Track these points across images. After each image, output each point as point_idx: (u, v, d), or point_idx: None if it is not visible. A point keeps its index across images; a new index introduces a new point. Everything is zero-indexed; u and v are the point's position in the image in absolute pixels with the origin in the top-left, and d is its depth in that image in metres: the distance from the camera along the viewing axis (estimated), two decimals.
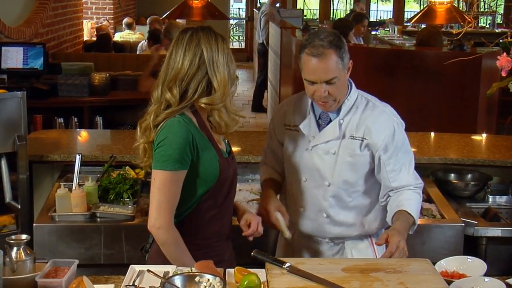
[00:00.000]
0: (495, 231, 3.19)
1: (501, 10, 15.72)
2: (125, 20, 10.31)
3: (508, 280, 2.21)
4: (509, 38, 3.40)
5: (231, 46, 2.46)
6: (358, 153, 2.53)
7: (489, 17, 13.47)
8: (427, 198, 3.40)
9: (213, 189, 2.32)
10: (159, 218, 2.25)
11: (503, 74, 3.19)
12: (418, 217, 2.53)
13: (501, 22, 14.76)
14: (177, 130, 2.24)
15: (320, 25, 12.08)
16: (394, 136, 2.53)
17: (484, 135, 4.69)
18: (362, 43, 7.80)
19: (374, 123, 2.53)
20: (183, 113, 2.28)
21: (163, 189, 2.24)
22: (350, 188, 2.58)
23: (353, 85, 2.59)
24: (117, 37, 10.15)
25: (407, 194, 2.55)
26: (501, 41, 3.44)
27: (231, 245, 2.53)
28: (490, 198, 3.63)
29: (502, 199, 3.66)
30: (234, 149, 3.76)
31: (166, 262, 2.29)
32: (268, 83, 9.78)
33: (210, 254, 2.34)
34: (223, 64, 2.28)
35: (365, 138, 2.52)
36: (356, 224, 2.62)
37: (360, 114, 2.55)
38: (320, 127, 2.58)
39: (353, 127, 2.54)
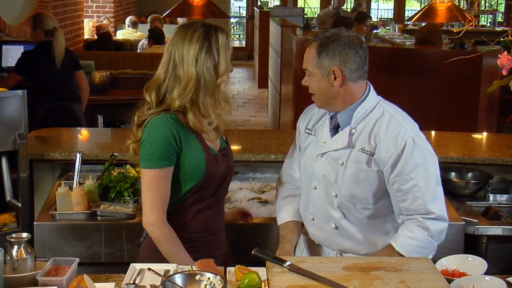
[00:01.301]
0: (496, 230, 3.19)
1: (502, 8, 15.72)
2: (130, 17, 10.34)
3: (508, 279, 2.21)
4: (510, 36, 3.40)
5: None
6: (365, 168, 2.35)
7: (490, 16, 13.45)
8: None
9: (200, 184, 2.33)
10: (151, 215, 2.29)
11: (504, 72, 3.19)
12: (410, 253, 2.33)
13: (502, 20, 14.76)
14: (158, 127, 2.27)
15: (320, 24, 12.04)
16: (404, 152, 2.30)
17: (485, 133, 4.69)
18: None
19: (385, 137, 2.33)
20: (168, 112, 2.29)
21: (152, 187, 2.28)
22: (359, 204, 2.41)
23: (372, 92, 2.42)
24: (119, 34, 10.16)
25: (410, 227, 2.36)
26: (501, 39, 3.45)
27: (225, 243, 2.54)
28: (491, 197, 3.62)
29: (502, 198, 3.65)
30: (234, 147, 3.78)
31: (157, 254, 2.31)
32: (269, 82, 9.78)
33: (196, 249, 2.36)
34: (191, 59, 2.26)
35: (374, 153, 2.34)
36: (367, 242, 2.45)
37: (373, 125, 2.37)
38: (331, 132, 2.45)
39: (364, 139, 2.36)
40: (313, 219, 2.53)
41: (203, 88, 2.28)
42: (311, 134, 2.53)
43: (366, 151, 2.36)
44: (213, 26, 2.33)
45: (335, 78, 2.34)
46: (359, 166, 2.36)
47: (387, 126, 2.35)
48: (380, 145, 2.34)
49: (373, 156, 2.35)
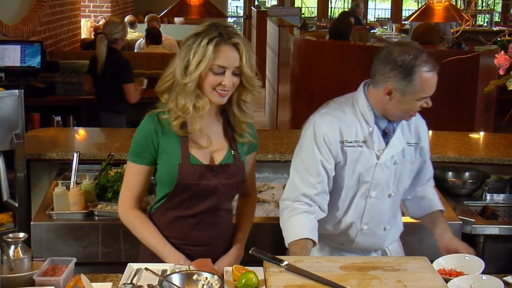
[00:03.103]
0: (493, 229, 3.19)
1: (498, 8, 15.75)
2: (128, 17, 10.32)
3: (505, 278, 2.22)
4: (506, 36, 3.40)
5: None
6: (414, 160, 2.56)
7: (487, 16, 13.48)
8: None
9: (174, 191, 2.30)
10: (119, 204, 2.39)
11: (501, 72, 3.20)
12: None
13: (499, 20, 14.79)
14: (142, 125, 2.32)
15: (318, 24, 12.06)
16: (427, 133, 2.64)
17: (482, 133, 4.69)
18: None
19: (419, 125, 2.57)
20: (164, 112, 2.28)
21: (125, 177, 2.38)
22: (403, 195, 2.64)
23: None
24: None
25: (432, 190, 2.71)
26: (498, 39, 3.45)
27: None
28: (488, 196, 3.62)
29: (499, 197, 3.65)
30: None
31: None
32: (266, 82, 9.78)
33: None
34: (177, 54, 2.28)
35: (418, 143, 2.55)
36: (400, 229, 2.69)
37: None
38: (385, 139, 2.48)
39: (406, 133, 2.53)
40: (367, 229, 2.55)
41: (175, 85, 2.25)
42: (354, 146, 2.45)
43: (412, 143, 2.55)
44: (216, 28, 2.21)
45: None
46: (411, 159, 2.55)
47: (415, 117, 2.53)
48: (420, 133, 2.57)
49: (418, 145, 2.56)
